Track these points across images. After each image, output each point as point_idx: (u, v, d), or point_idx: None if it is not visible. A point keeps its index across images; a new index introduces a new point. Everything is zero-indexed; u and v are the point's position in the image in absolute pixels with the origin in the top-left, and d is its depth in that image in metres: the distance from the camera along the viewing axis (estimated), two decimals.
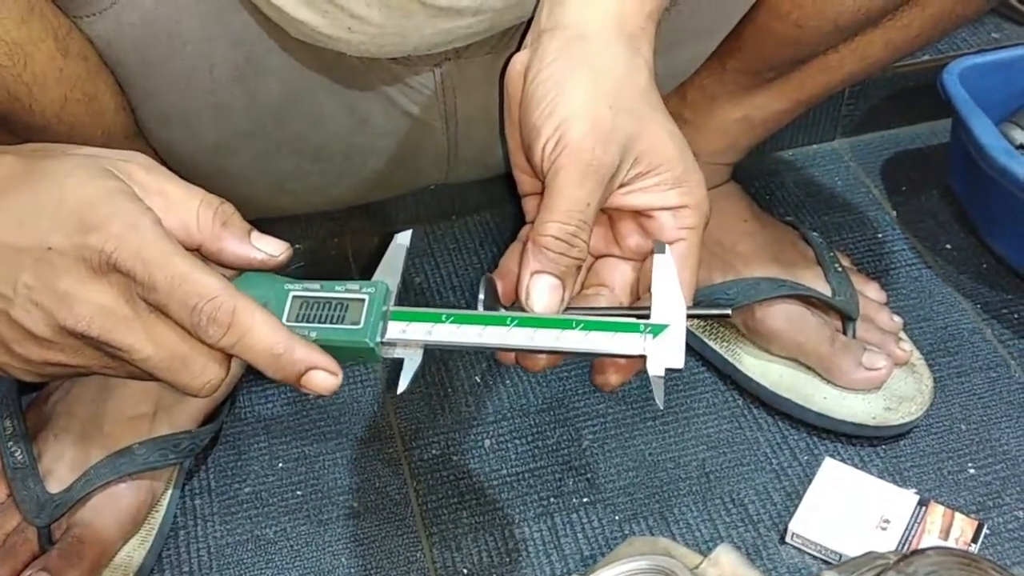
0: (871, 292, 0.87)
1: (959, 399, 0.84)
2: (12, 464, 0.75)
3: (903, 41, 0.74)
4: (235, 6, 0.64)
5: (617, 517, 0.78)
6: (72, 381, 0.79)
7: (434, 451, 0.82)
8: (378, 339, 0.49)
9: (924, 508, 0.75)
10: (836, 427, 0.81)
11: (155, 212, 0.47)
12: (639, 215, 0.54)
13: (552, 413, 0.85)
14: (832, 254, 0.87)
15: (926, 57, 1.02)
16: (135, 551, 0.75)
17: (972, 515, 0.75)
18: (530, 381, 0.86)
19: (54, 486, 0.74)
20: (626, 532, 0.77)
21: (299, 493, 0.80)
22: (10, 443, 0.76)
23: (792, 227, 0.90)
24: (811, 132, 1.05)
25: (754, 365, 0.84)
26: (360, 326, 0.49)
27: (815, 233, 0.89)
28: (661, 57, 0.74)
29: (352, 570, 0.76)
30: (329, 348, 0.48)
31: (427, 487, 0.80)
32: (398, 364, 0.51)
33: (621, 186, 0.53)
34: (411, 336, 0.49)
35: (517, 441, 0.83)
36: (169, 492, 0.78)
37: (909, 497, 0.76)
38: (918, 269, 0.94)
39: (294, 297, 0.50)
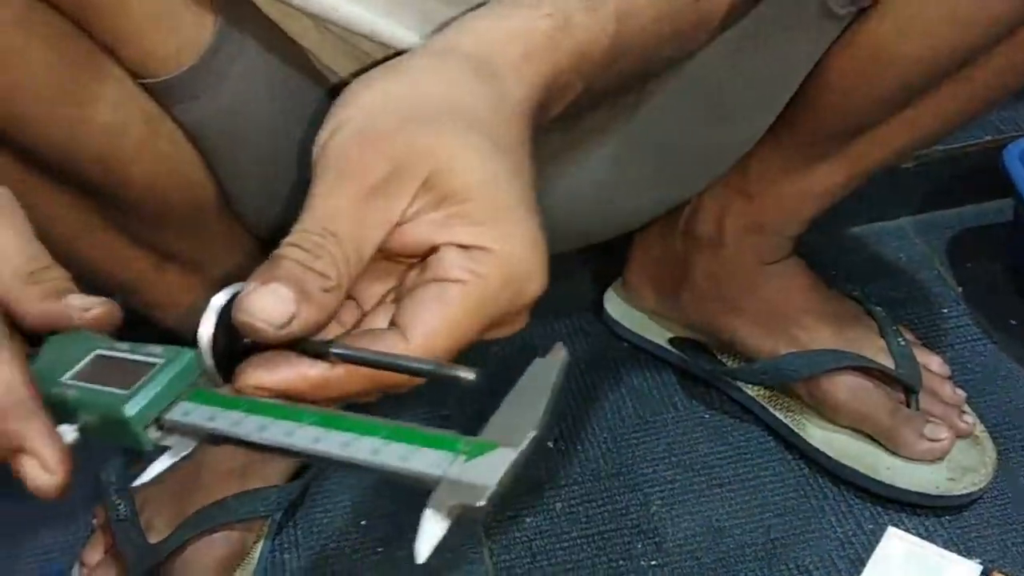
0: (934, 365, 0.89)
1: None
2: (116, 517, 0.80)
3: (954, 112, 0.77)
4: (317, 91, 0.70)
5: None
6: None
7: (508, 512, 0.86)
8: (140, 411, 0.39)
9: None
10: (900, 496, 0.83)
11: None
12: (431, 255, 0.42)
13: (622, 479, 0.88)
14: (895, 327, 0.90)
15: (989, 137, 1.05)
16: None
17: None
18: (601, 448, 0.90)
19: (154, 536, 0.80)
20: None
21: (380, 550, 0.84)
22: (115, 497, 0.82)
23: (855, 301, 0.93)
24: (876, 209, 1.08)
25: (819, 435, 0.87)
26: (126, 392, 0.39)
27: (879, 307, 0.92)
28: (719, 129, 0.79)
29: None
30: (93, 421, 0.40)
31: (501, 546, 0.84)
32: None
33: (409, 220, 0.42)
34: (190, 420, 0.40)
35: (588, 504, 0.86)
36: (260, 544, 0.82)
37: (972, 567, 0.77)
38: (983, 344, 0.96)
39: (97, 355, 0.42)
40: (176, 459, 0.41)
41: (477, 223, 0.41)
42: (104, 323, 0.42)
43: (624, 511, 0.86)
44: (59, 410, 0.41)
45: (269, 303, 0.39)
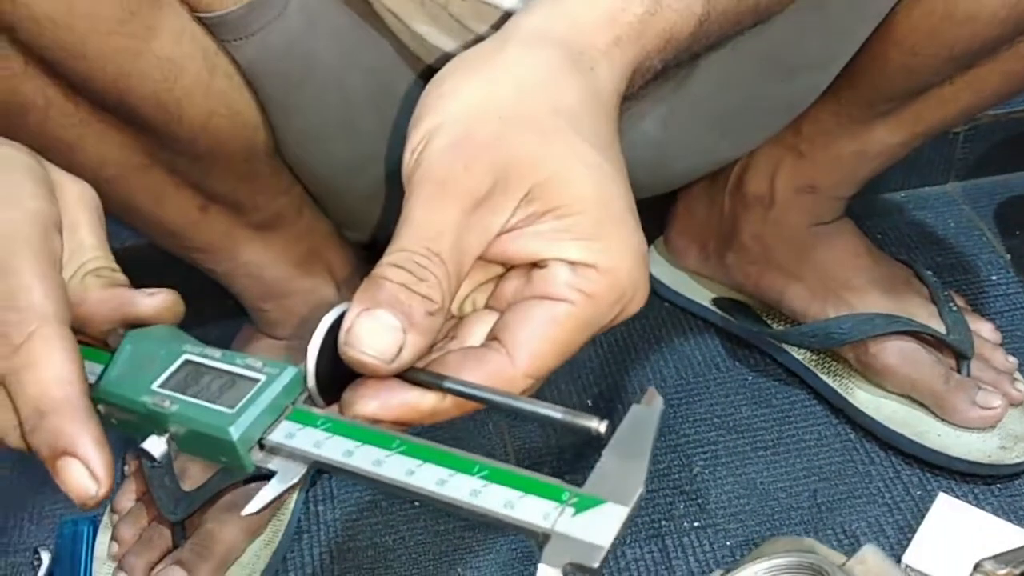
0: (985, 332, 0.87)
1: None
2: (150, 464, 0.79)
3: (1020, 72, 0.74)
4: (373, 35, 0.68)
5: (728, 543, 0.79)
6: None
7: (547, 471, 0.83)
8: (246, 434, 0.37)
9: None
10: (950, 464, 0.81)
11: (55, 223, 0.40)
12: (535, 268, 0.40)
13: (663, 439, 0.86)
14: (946, 293, 0.88)
15: None
16: (262, 551, 0.79)
17: None
18: None
19: (188, 484, 0.78)
20: (737, 557, 0.78)
21: (416, 504, 0.83)
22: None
23: (906, 265, 0.91)
24: (924, 175, 1.05)
25: (867, 400, 0.85)
26: (231, 411, 0.38)
27: (929, 272, 0.90)
28: (778, 86, 0.77)
29: None
30: (188, 435, 0.38)
31: None
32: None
33: (510, 230, 0.40)
34: (292, 443, 0.38)
35: None
36: (295, 495, 0.81)
37: (1023, 535, 0.76)
38: None
39: (186, 360, 0.40)
40: (286, 487, 0.38)
41: (585, 238, 0.40)
42: (169, 308, 0.41)
43: (666, 472, 0.84)
44: (149, 420, 0.39)
45: (376, 333, 0.37)
